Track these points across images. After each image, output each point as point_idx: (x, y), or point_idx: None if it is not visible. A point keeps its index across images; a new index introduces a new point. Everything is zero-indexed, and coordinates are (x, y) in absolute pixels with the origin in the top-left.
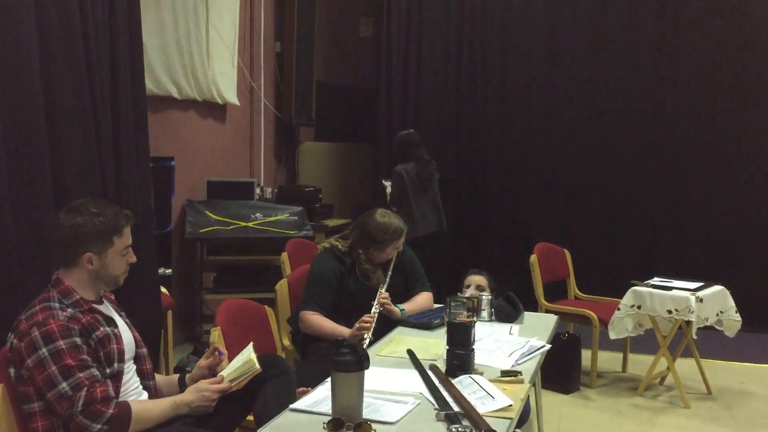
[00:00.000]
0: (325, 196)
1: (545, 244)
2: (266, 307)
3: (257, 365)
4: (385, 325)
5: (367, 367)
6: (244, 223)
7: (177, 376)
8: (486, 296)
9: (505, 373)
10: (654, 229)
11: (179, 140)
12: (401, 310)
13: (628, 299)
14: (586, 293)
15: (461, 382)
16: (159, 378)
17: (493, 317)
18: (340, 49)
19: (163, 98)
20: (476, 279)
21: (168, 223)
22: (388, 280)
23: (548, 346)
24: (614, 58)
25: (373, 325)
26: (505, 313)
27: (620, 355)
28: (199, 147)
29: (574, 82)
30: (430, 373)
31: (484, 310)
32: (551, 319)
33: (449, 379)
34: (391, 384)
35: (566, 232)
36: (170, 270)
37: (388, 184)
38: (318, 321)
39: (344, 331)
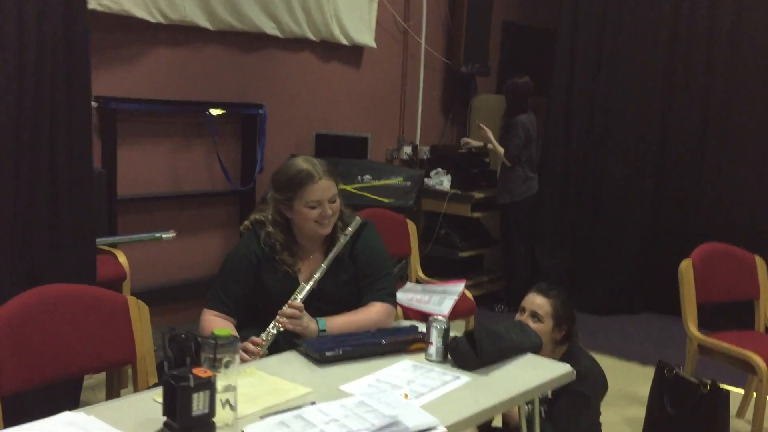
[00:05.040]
0: (496, 159)
1: (715, 245)
2: (132, 298)
3: None
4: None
5: None
6: (342, 186)
7: None
8: (438, 324)
9: None
10: None
11: (283, 86)
12: (321, 330)
13: None
14: None
15: None
16: None
17: (448, 358)
18: None
19: (256, 36)
20: (537, 302)
21: (250, 179)
22: (317, 276)
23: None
24: None
25: (263, 351)
26: (461, 356)
27: None
28: (316, 95)
29: None
30: None
31: (432, 344)
32: (538, 375)
33: None
34: None
35: None
36: (172, 233)
37: (485, 128)
38: (209, 326)
39: None
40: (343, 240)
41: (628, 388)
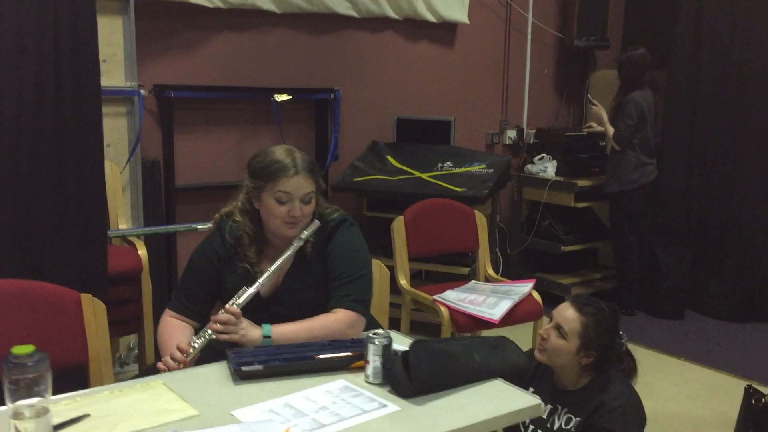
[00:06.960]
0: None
1: None
2: (86, 296)
3: None
4: None
5: None
6: (418, 173)
7: None
8: (376, 340)
9: None
10: None
11: (361, 68)
12: (265, 337)
13: None
14: None
15: None
16: None
17: (384, 380)
18: None
19: (328, 17)
20: (567, 315)
21: (323, 167)
22: (261, 281)
23: None
24: None
25: (189, 359)
26: (393, 380)
27: None
28: (401, 77)
29: None
30: None
31: (369, 363)
32: (490, 408)
33: None
34: None
35: None
36: (209, 224)
37: (597, 106)
38: (163, 327)
39: (170, 351)
40: (296, 244)
41: (733, 412)
